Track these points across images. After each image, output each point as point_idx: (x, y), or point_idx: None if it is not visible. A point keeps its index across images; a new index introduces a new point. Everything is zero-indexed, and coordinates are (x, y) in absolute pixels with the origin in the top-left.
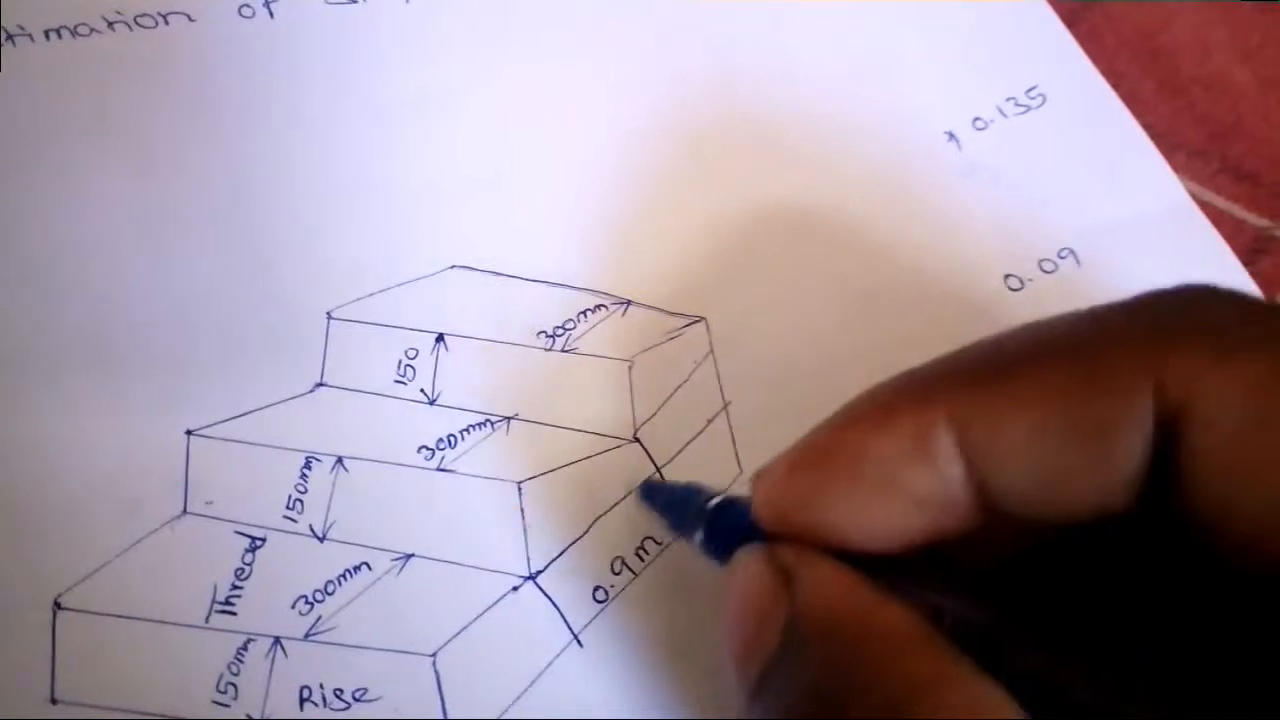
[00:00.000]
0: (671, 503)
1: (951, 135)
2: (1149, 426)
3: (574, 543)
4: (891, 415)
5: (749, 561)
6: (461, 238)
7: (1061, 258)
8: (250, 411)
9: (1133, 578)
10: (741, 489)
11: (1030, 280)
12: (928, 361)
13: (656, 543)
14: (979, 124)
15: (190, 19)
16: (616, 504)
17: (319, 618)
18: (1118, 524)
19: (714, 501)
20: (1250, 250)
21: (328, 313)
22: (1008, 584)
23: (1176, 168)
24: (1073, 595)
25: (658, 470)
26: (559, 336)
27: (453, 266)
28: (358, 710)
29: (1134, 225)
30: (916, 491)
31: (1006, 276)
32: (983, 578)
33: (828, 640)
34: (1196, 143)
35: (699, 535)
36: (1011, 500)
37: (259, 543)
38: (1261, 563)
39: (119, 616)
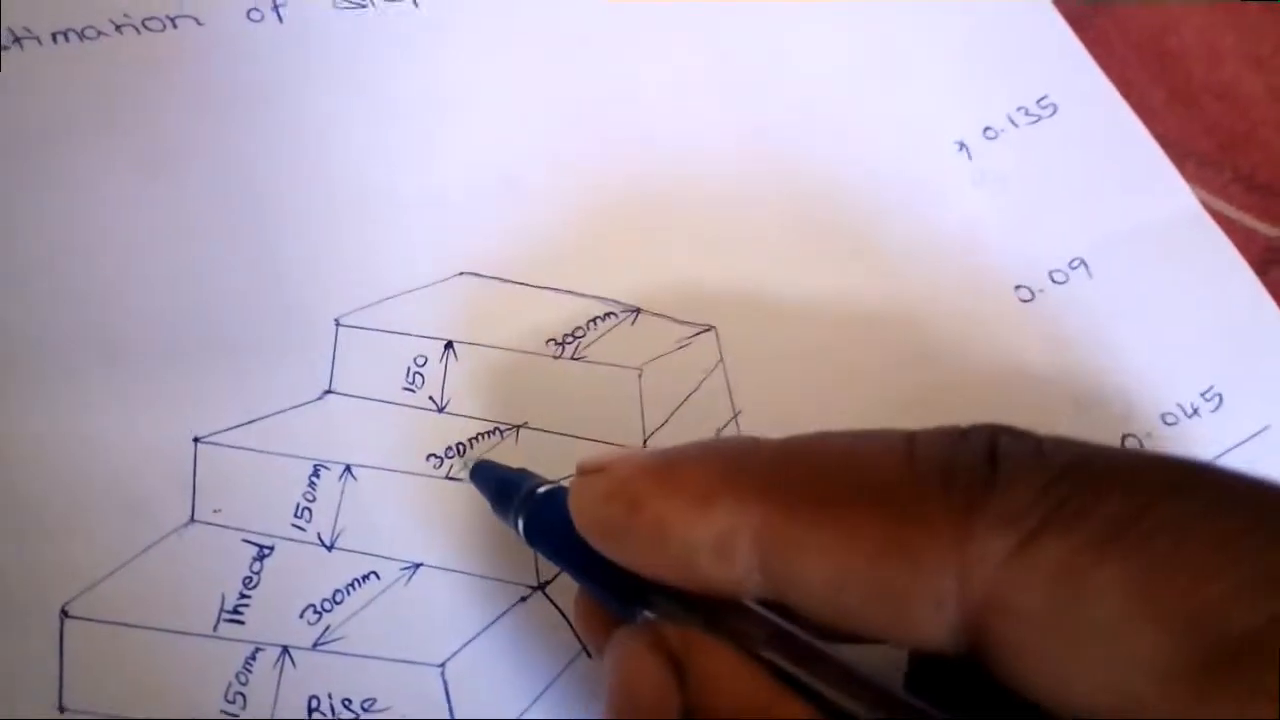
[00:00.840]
0: (498, 483)
1: (962, 145)
2: (950, 610)
3: None
4: (707, 502)
5: (633, 646)
6: (471, 244)
7: (1073, 268)
8: (258, 419)
9: (951, 683)
10: None
11: (1041, 291)
12: (760, 444)
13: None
14: (989, 133)
15: (199, 22)
16: None
17: (327, 627)
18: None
19: (541, 489)
20: (1262, 260)
21: (336, 319)
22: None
23: (1187, 177)
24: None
25: None
26: (568, 344)
27: (462, 273)
28: None
29: (1145, 235)
30: (710, 580)
31: (1017, 287)
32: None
33: None
34: (1207, 152)
35: (520, 522)
36: (809, 617)
37: (267, 551)
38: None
39: (126, 625)
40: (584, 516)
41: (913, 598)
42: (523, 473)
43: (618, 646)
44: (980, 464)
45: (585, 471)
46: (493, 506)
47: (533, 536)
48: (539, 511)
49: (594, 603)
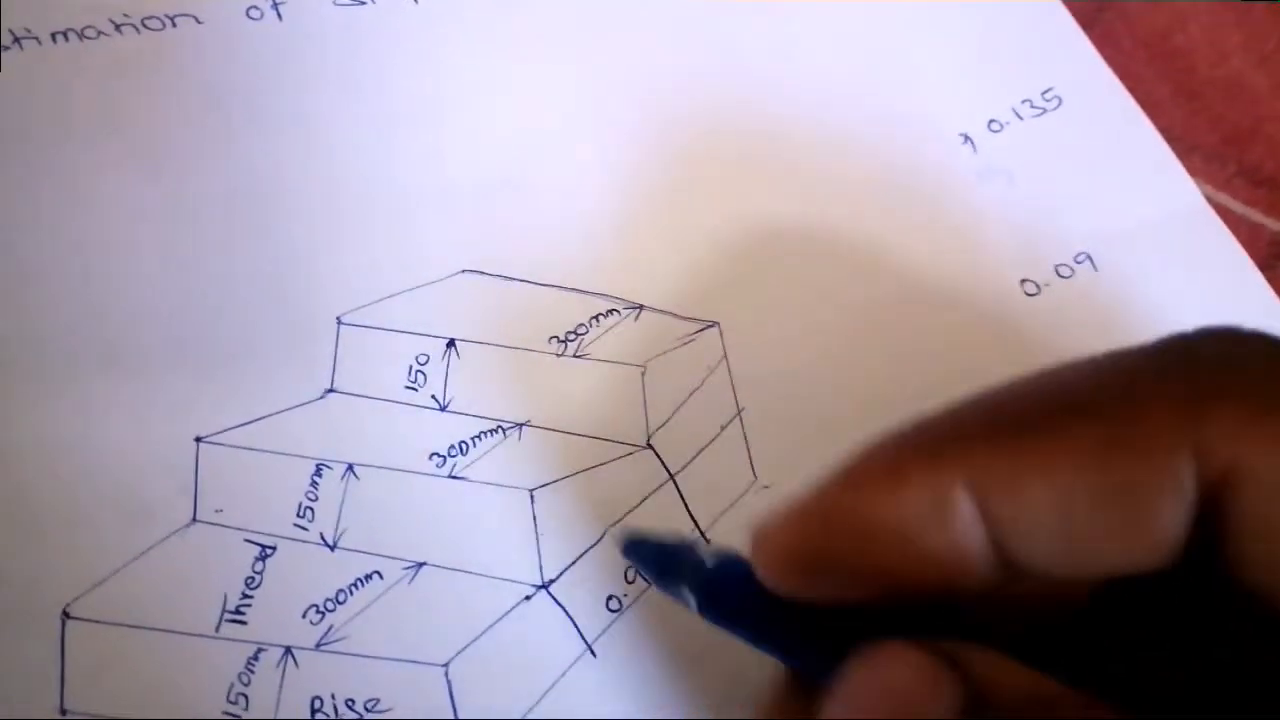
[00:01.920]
0: (659, 557)
1: (967, 138)
2: (1189, 491)
3: (587, 551)
4: (902, 477)
5: (891, 650)
6: (473, 242)
7: (1078, 262)
8: (260, 418)
9: (1174, 630)
10: (755, 495)
11: (1047, 285)
12: (938, 411)
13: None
14: (994, 126)
15: (198, 21)
16: (630, 511)
17: (330, 627)
18: (1157, 577)
19: (710, 559)
20: (1268, 255)
21: (338, 318)
22: (1035, 638)
23: (1192, 171)
24: (1106, 649)
25: (671, 478)
26: (571, 342)
27: (464, 271)
28: None
29: (1151, 229)
30: (933, 557)
31: (1023, 281)
32: (1007, 632)
33: (1024, 714)
34: (1212, 146)
35: (693, 598)
36: (1037, 562)
37: (269, 551)
38: None
39: (128, 626)
40: (776, 561)
41: (1146, 489)
42: (684, 543)
43: (870, 657)
44: (1201, 348)
45: (761, 527)
46: (656, 583)
47: (711, 611)
48: (714, 581)
49: (787, 709)
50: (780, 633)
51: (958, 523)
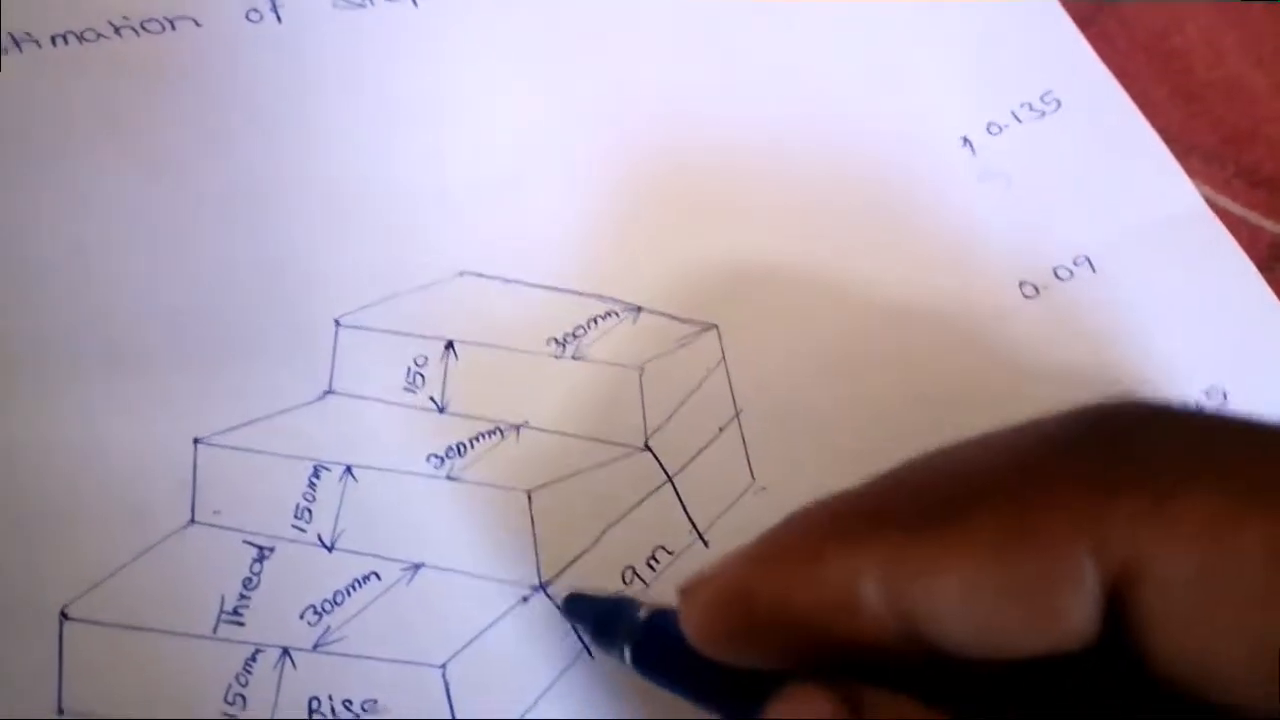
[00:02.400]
0: (597, 614)
1: (966, 140)
2: (1092, 584)
3: (584, 553)
4: (817, 559)
5: (804, 688)
6: (471, 244)
7: (1077, 265)
8: (258, 419)
9: (1093, 697)
10: (753, 496)
11: (1045, 288)
12: (853, 490)
13: (668, 552)
14: (993, 129)
15: (197, 23)
16: (627, 513)
17: (328, 628)
18: (1073, 656)
19: (643, 614)
20: (1267, 257)
21: (336, 319)
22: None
23: (1191, 172)
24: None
25: (669, 479)
26: (569, 344)
27: (462, 273)
28: None
29: (1149, 231)
30: (843, 638)
31: (1021, 284)
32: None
33: None
34: (1211, 147)
35: (628, 650)
36: (950, 645)
37: (267, 552)
38: (1230, 702)
39: (126, 627)
40: (702, 630)
41: (1050, 584)
42: (620, 600)
43: (784, 697)
44: (1105, 431)
45: (687, 590)
46: (593, 638)
47: (643, 665)
48: (647, 638)
49: None
50: (707, 686)
51: (869, 608)
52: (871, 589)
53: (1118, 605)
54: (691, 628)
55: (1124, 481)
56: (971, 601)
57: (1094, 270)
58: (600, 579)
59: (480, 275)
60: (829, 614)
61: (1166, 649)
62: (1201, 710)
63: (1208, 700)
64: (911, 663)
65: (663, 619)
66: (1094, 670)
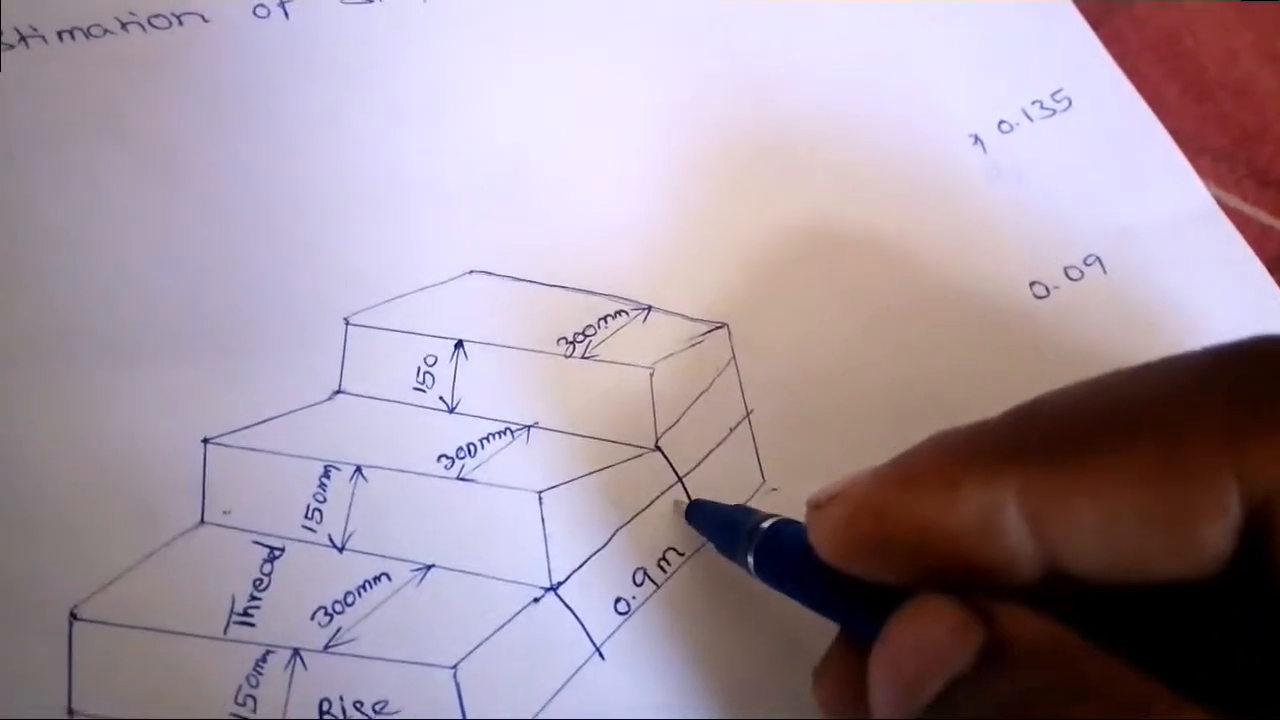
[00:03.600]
0: (722, 523)
1: (976, 139)
2: (1235, 514)
3: (595, 553)
4: (956, 485)
5: (934, 601)
6: (481, 242)
7: (1088, 264)
8: (268, 419)
9: (1218, 629)
10: (763, 497)
11: (1056, 287)
12: (989, 421)
13: (679, 553)
14: (1004, 127)
15: (204, 19)
16: (638, 514)
17: (338, 629)
18: (1203, 585)
19: (767, 523)
20: (1277, 257)
21: (346, 319)
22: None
23: (1202, 172)
24: (1148, 646)
25: (680, 480)
26: (579, 343)
27: (472, 271)
28: None
29: (1160, 231)
30: (981, 560)
31: (1032, 284)
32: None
33: (1040, 663)
34: (1222, 147)
35: (750, 558)
36: (1085, 571)
37: (277, 553)
38: None
39: (136, 628)
40: (832, 542)
41: (1193, 514)
42: (742, 509)
43: (912, 608)
44: (1244, 367)
45: (818, 503)
46: (716, 545)
47: (765, 571)
48: (769, 545)
49: (839, 672)
50: (829, 596)
51: (1007, 534)
52: (1011, 514)
53: (1256, 535)
54: (821, 539)
55: (1267, 415)
56: (1114, 528)
57: (1104, 270)
58: (611, 580)
59: (490, 274)
60: (965, 538)
61: None
62: None
63: None
64: (1039, 587)
65: (787, 528)
66: (1220, 598)
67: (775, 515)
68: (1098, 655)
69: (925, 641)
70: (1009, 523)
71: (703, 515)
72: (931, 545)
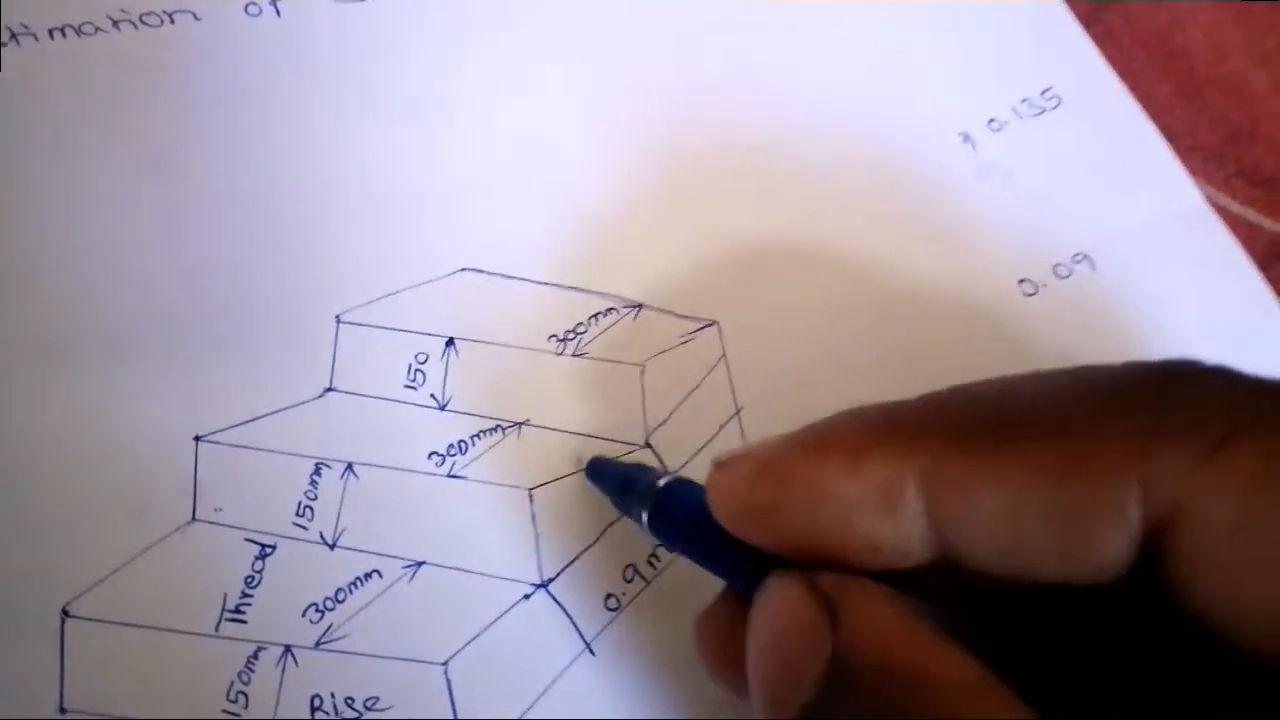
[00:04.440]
0: (619, 480)
1: (966, 137)
2: (1134, 521)
3: (586, 550)
4: (861, 458)
5: (785, 588)
6: (471, 240)
7: (1076, 262)
8: (259, 417)
9: (1103, 642)
10: None
11: (1045, 285)
12: (906, 400)
13: (668, 550)
14: (994, 125)
15: (196, 17)
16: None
17: (330, 626)
18: (1091, 595)
19: (663, 480)
20: (1266, 255)
21: (337, 316)
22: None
23: (1192, 170)
24: (1040, 642)
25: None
26: (570, 340)
27: (463, 269)
28: (369, 719)
29: (1149, 229)
30: (874, 538)
31: (1021, 281)
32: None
33: (880, 684)
34: (1212, 145)
35: (644, 514)
36: (977, 561)
37: (269, 550)
38: (1256, 654)
39: (128, 625)
40: (728, 502)
41: (1094, 514)
42: (640, 467)
43: (767, 588)
44: (1158, 381)
45: (722, 462)
46: (613, 501)
47: (659, 528)
48: (664, 503)
49: (720, 625)
50: (719, 554)
51: (903, 511)
52: (911, 492)
53: (1152, 545)
54: (718, 498)
55: (1176, 427)
56: (1012, 519)
57: (1094, 268)
58: (601, 576)
59: (481, 271)
60: (859, 510)
61: (1199, 592)
62: (1213, 651)
63: (1226, 643)
64: (926, 575)
65: (682, 487)
66: (1110, 606)
67: (671, 474)
68: (943, 654)
69: (776, 622)
70: (907, 500)
71: (602, 473)
72: (825, 515)
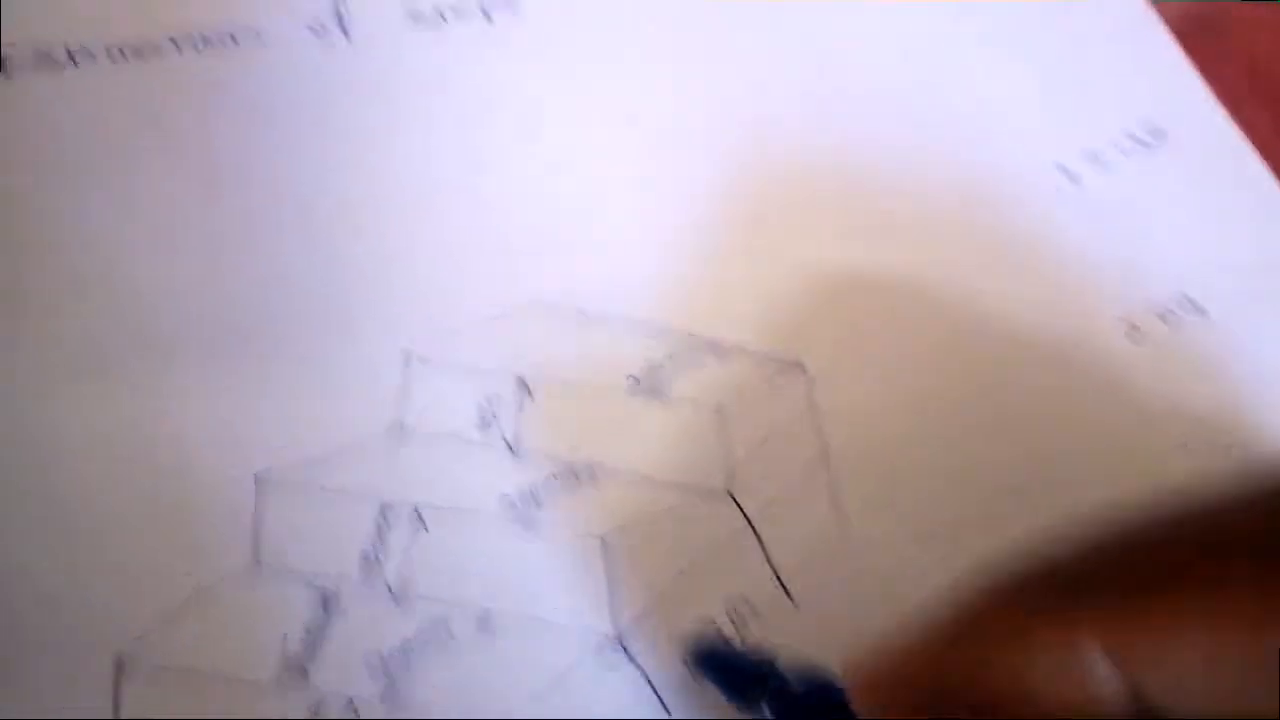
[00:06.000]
0: (737, 673)
1: (1064, 170)
2: None
3: (661, 601)
4: (1029, 639)
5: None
6: (545, 274)
7: (1182, 308)
8: (323, 457)
9: None
10: (838, 547)
11: (1150, 333)
12: (1061, 556)
13: (748, 602)
14: (1092, 161)
15: (260, 38)
16: (706, 561)
17: (394, 677)
18: None
19: (798, 685)
20: None
21: (404, 351)
22: None
23: None
24: None
25: (750, 525)
26: (647, 381)
27: (536, 303)
28: None
29: (1258, 274)
30: (1062, 706)
31: (1124, 327)
32: None
33: None
34: None
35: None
36: (1179, 710)
37: (332, 596)
38: None
39: (184, 671)
40: (880, 711)
41: None
42: (761, 655)
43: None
44: None
45: (862, 670)
46: (729, 699)
47: None
48: (800, 710)
49: None
50: None
51: (1092, 680)
52: (1095, 660)
53: None
54: (869, 704)
55: None
56: (1213, 668)
57: (1200, 312)
58: (677, 630)
59: (556, 306)
60: (1044, 689)
61: None
62: None
63: None
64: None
65: (819, 687)
66: None
67: (800, 668)
68: None
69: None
70: (1094, 669)
71: (713, 662)
72: (1004, 701)
